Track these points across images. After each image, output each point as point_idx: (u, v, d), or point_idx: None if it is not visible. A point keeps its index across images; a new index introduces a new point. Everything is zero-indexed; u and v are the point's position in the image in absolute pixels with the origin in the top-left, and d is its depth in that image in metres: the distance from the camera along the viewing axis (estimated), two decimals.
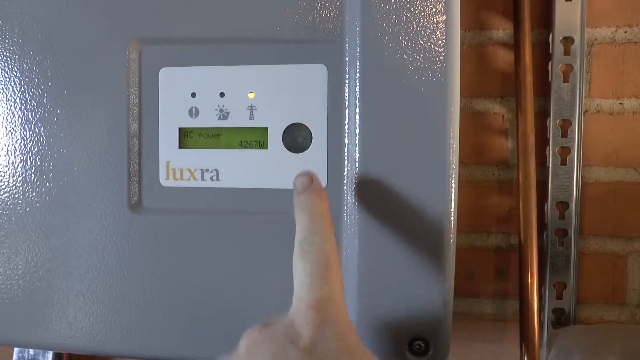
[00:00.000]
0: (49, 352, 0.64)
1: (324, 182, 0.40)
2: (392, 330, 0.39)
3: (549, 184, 0.57)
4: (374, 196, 0.39)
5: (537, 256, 0.50)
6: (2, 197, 0.44)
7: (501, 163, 0.60)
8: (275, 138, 0.40)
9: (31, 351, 0.64)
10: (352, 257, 0.39)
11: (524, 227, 0.51)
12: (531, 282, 0.50)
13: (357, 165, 0.39)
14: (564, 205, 0.58)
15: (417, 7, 0.38)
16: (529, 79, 0.52)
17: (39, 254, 0.44)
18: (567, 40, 0.57)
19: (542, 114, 0.58)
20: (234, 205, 0.41)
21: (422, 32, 0.38)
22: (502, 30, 0.59)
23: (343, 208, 0.40)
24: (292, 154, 0.40)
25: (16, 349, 0.65)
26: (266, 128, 0.40)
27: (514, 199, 0.60)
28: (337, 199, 0.40)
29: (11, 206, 0.44)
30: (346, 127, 0.39)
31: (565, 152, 0.58)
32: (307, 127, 0.40)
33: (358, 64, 0.39)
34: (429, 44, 0.38)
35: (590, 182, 0.59)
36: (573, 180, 0.58)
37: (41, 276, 0.44)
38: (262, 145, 0.41)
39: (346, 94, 0.39)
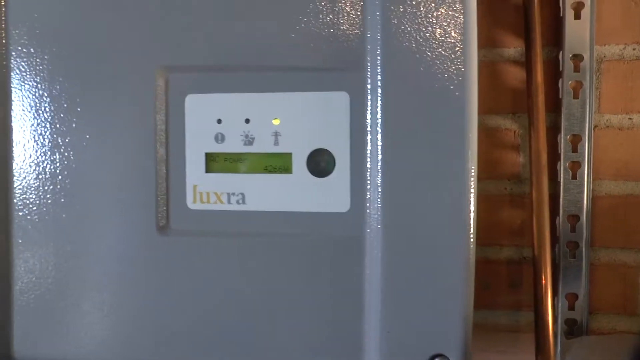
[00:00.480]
0: None
1: (346, 205, 0.41)
2: (414, 348, 0.41)
3: (561, 198, 0.59)
4: (396, 218, 0.40)
5: (550, 269, 0.52)
6: (33, 218, 0.45)
7: (513, 177, 0.61)
8: (299, 163, 0.42)
9: None
10: (375, 279, 0.41)
11: (537, 241, 0.52)
12: (545, 294, 0.51)
13: (379, 189, 0.40)
14: (575, 218, 0.60)
15: (436, 37, 0.40)
16: (540, 97, 0.54)
17: (68, 275, 0.45)
18: (577, 58, 0.58)
19: (553, 130, 0.60)
20: (259, 228, 0.43)
21: (440, 61, 0.40)
22: (513, 48, 0.60)
23: (366, 230, 0.41)
24: (316, 178, 0.42)
25: None
26: (291, 153, 0.42)
27: (526, 212, 0.61)
28: (359, 222, 0.41)
29: (41, 227, 0.45)
30: (368, 152, 0.41)
31: (575, 166, 0.59)
32: (330, 153, 0.41)
33: (379, 91, 0.40)
34: (447, 72, 0.40)
35: (601, 195, 0.60)
36: (584, 193, 0.59)
37: (69, 296, 0.45)
38: (287, 170, 0.42)
39: (368, 120, 0.41)
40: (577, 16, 0.58)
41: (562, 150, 0.59)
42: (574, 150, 0.59)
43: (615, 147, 0.60)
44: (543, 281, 0.51)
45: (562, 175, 0.59)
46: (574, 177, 0.59)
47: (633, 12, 0.58)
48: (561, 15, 0.58)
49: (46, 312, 0.46)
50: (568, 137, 0.59)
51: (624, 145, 0.60)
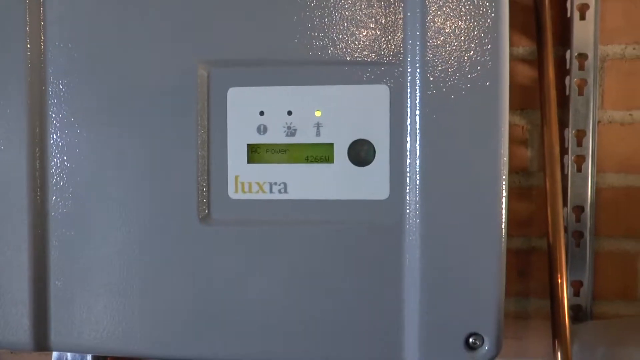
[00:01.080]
0: (88, 359, 0.65)
1: (386, 193, 0.43)
2: (451, 328, 0.43)
3: (568, 190, 0.62)
4: (433, 206, 0.43)
5: (565, 257, 0.55)
6: (75, 210, 0.46)
7: (522, 171, 0.64)
8: (340, 153, 0.43)
9: (69, 357, 0.66)
10: (414, 263, 0.43)
11: (552, 230, 0.55)
12: (561, 281, 0.54)
13: (417, 178, 0.42)
14: (579, 209, 0.63)
15: (470, 34, 0.42)
16: (552, 93, 0.57)
17: (109, 266, 0.46)
18: (582, 57, 0.62)
19: (559, 125, 0.63)
20: (301, 216, 0.44)
21: (475, 57, 0.42)
22: (521, 47, 0.63)
23: (404, 217, 0.43)
24: (357, 167, 0.43)
25: (54, 356, 0.66)
26: (332, 144, 0.44)
27: (534, 204, 0.64)
28: (398, 209, 0.43)
29: (79, 219, 0.46)
30: (408, 143, 0.43)
31: (580, 160, 0.63)
32: (370, 143, 0.43)
33: (418, 85, 0.42)
34: (481, 66, 0.42)
35: (604, 187, 0.63)
36: (588, 186, 0.63)
37: (110, 288, 0.46)
38: (328, 159, 0.44)
39: (407, 113, 0.43)
40: (582, 17, 0.61)
41: (569, 144, 0.62)
42: (579, 144, 0.62)
43: (617, 141, 0.63)
44: (558, 269, 0.54)
45: (569, 168, 0.62)
46: (579, 170, 0.63)
47: (633, 14, 0.62)
48: (568, 16, 0.61)
49: (85, 304, 0.46)
50: (573, 131, 0.62)
51: (625, 140, 0.63)
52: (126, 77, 0.45)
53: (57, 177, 0.46)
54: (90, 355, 0.65)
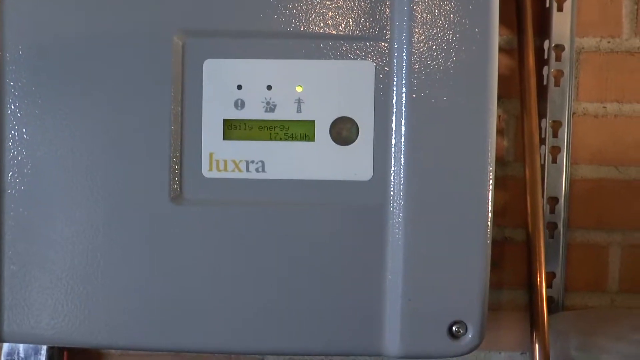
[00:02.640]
0: (42, 354, 0.61)
1: (369, 174, 0.41)
2: (434, 315, 0.42)
3: (545, 181, 0.61)
4: (418, 187, 0.41)
5: (544, 246, 0.54)
6: (34, 187, 0.42)
7: (498, 160, 0.63)
8: (322, 131, 0.42)
9: (22, 353, 0.62)
10: (397, 246, 0.41)
11: (532, 220, 0.55)
12: (540, 272, 0.54)
13: (402, 158, 0.41)
14: (554, 200, 0.63)
15: (459, 13, 0.41)
16: (532, 81, 0.56)
17: (72, 247, 0.42)
18: (558, 48, 0.62)
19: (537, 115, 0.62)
20: (279, 197, 0.42)
21: (463, 37, 0.41)
22: (499, 36, 0.63)
23: (389, 199, 0.41)
24: (339, 146, 0.42)
25: (4, 351, 0.62)
26: (313, 121, 0.42)
27: (508, 194, 0.64)
28: (382, 190, 0.41)
29: (41, 195, 0.42)
30: (393, 123, 0.41)
31: (555, 151, 0.62)
32: (353, 121, 0.41)
33: (404, 62, 0.41)
34: (470, 45, 0.41)
35: (577, 179, 0.63)
36: (562, 177, 0.62)
37: (73, 271, 0.42)
38: (309, 137, 0.42)
39: (393, 90, 0.41)
40: (560, 9, 0.61)
41: (547, 135, 0.61)
42: (555, 135, 0.62)
43: (590, 133, 0.63)
44: (538, 259, 0.53)
45: (545, 159, 0.62)
46: (554, 160, 0.62)
47: (609, 8, 0.62)
48: (547, 6, 0.61)
49: (43, 290, 0.43)
50: (550, 122, 0.62)
51: (598, 132, 0.63)
52: (94, 44, 0.42)
53: (14, 151, 0.42)
54: (45, 348, 0.62)
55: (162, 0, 0.41)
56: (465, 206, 0.41)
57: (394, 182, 0.41)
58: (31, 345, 0.61)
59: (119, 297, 0.43)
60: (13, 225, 0.43)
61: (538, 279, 0.54)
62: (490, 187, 0.41)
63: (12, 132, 0.42)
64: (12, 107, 0.42)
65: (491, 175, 0.41)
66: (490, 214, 0.41)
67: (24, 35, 0.42)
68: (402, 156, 0.41)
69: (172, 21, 0.42)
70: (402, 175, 0.41)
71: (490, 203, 0.41)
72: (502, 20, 0.62)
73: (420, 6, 0.41)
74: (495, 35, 0.41)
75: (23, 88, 0.42)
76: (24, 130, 0.42)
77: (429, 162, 0.41)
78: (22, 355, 0.62)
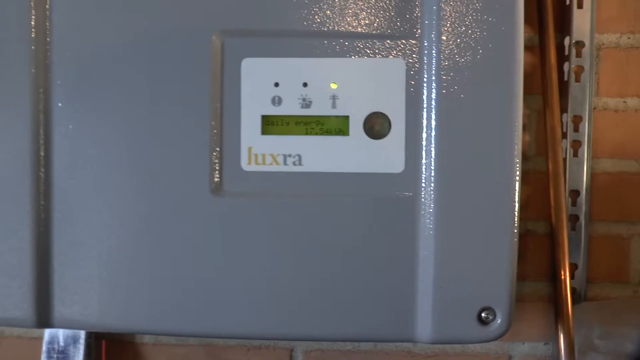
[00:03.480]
0: (81, 343, 0.64)
1: (401, 166, 0.43)
2: (464, 301, 0.43)
3: (566, 174, 0.63)
4: (448, 179, 0.43)
5: (567, 238, 0.56)
6: (81, 182, 0.44)
7: None
8: (356, 125, 0.43)
9: (61, 342, 0.64)
10: (428, 235, 0.43)
11: (555, 213, 0.56)
12: (564, 263, 0.55)
13: (432, 151, 0.43)
14: (575, 194, 0.64)
15: (487, 13, 0.42)
16: (554, 77, 0.58)
17: (118, 239, 0.45)
18: (579, 44, 0.63)
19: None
20: (315, 189, 0.44)
21: (490, 36, 0.42)
22: None
23: (420, 191, 0.43)
24: (372, 140, 0.43)
25: (45, 340, 0.64)
26: (347, 116, 0.43)
27: (531, 187, 0.65)
28: (413, 182, 0.43)
29: (87, 190, 0.45)
30: (424, 116, 0.43)
31: (576, 145, 0.64)
32: (386, 116, 0.43)
33: (434, 60, 0.42)
34: (497, 43, 0.42)
35: (598, 172, 0.65)
36: (584, 170, 0.64)
37: (119, 261, 0.45)
38: (344, 132, 0.44)
39: (423, 87, 0.43)
40: (580, 6, 0.62)
41: (567, 129, 0.63)
42: (576, 129, 0.64)
43: (611, 128, 0.65)
44: (562, 250, 0.55)
45: (566, 153, 0.63)
46: (575, 154, 0.64)
47: (628, 4, 0.64)
48: (567, 4, 0.62)
49: (90, 280, 0.45)
50: (571, 117, 0.63)
51: (619, 126, 0.65)
52: (137, 45, 0.44)
53: (62, 147, 0.45)
54: (83, 337, 0.64)
55: (201, 2, 0.43)
56: (493, 197, 0.43)
57: (425, 175, 0.43)
58: (70, 334, 0.63)
59: (160, 286, 0.45)
60: (61, 218, 0.45)
61: (562, 270, 0.55)
62: (517, 178, 0.43)
63: (60, 128, 0.45)
64: (60, 104, 0.44)
65: (518, 167, 0.43)
66: (517, 205, 0.43)
67: (70, 38, 0.44)
68: (432, 149, 0.43)
69: (211, 21, 0.44)
70: (432, 168, 0.43)
71: (517, 194, 0.43)
72: (524, 19, 0.64)
73: (448, 5, 0.42)
74: (521, 32, 0.43)
75: (69, 88, 0.44)
76: (70, 127, 0.45)
77: (459, 155, 0.42)
78: (61, 344, 0.64)
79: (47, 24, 0.44)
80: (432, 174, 0.43)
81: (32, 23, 0.44)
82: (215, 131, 0.44)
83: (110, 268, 0.45)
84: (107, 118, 0.44)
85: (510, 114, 0.43)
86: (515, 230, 0.43)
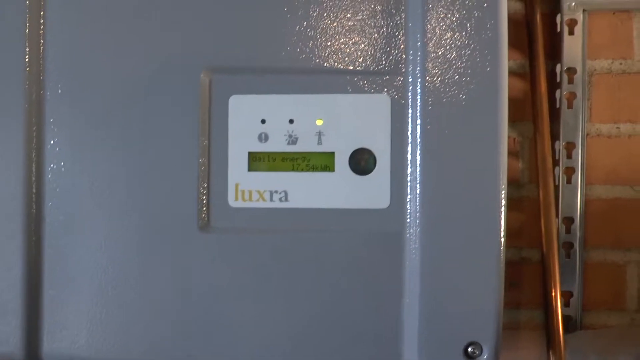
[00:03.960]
0: None
1: (386, 202, 0.43)
2: (450, 337, 0.43)
3: (559, 202, 0.63)
4: (433, 215, 0.43)
5: (559, 266, 0.55)
6: (72, 217, 0.45)
7: (513, 182, 0.65)
8: (341, 162, 0.44)
9: None
10: (414, 272, 0.43)
11: (545, 241, 0.56)
12: (555, 292, 0.55)
13: (418, 187, 0.43)
14: (569, 220, 0.64)
15: (470, 45, 0.43)
16: (544, 105, 0.58)
17: (105, 272, 0.45)
18: (570, 71, 0.63)
19: (550, 137, 0.64)
20: (302, 225, 0.44)
21: (474, 69, 0.43)
22: (512, 60, 0.65)
23: (405, 226, 0.43)
24: (358, 176, 0.44)
25: None
26: (333, 152, 0.44)
27: (524, 215, 0.65)
28: (399, 218, 0.43)
29: (76, 224, 0.45)
30: (409, 152, 0.43)
31: (570, 171, 0.64)
32: (371, 152, 0.44)
33: (419, 95, 0.43)
34: (481, 77, 0.43)
35: (592, 199, 0.65)
36: (577, 197, 0.64)
37: (108, 295, 0.45)
38: (330, 168, 0.44)
39: (408, 123, 0.43)
40: (571, 32, 0.63)
41: (560, 156, 0.63)
42: (569, 156, 0.64)
43: (604, 154, 0.65)
44: (552, 279, 0.55)
45: (559, 180, 0.63)
46: (569, 181, 0.64)
47: (619, 30, 0.64)
48: (558, 31, 0.62)
49: (80, 313, 0.45)
50: (563, 144, 0.63)
51: (612, 152, 0.65)
52: (127, 81, 0.45)
53: (53, 183, 0.45)
54: None
55: (190, 39, 0.44)
56: (479, 231, 0.43)
57: (410, 210, 0.43)
58: None
59: (149, 321, 0.45)
60: (52, 253, 0.46)
61: (553, 299, 0.55)
62: (503, 211, 0.43)
63: (52, 164, 0.45)
64: (52, 141, 0.45)
65: (503, 199, 0.43)
66: (503, 238, 0.43)
67: (63, 75, 0.45)
68: (417, 185, 0.43)
69: (199, 59, 0.44)
70: (418, 203, 0.43)
71: (502, 227, 0.43)
72: (515, 45, 0.64)
73: (433, 40, 0.43)
74: (505, 68, 0.43)
75: (61, 123, 0.45)
76: (62, 163, 0.45)
77: (444, 190, 0.43)
78: None
79: (41, 61, 0.45)
80: (418, 210, 0.43)
81: (26, 59, 0.45)
82: (203, 168, 0.44)
83: (100, 303, 0.45)
84: (98, 155, 0.45)
85: (495, 148, 0.43)
86: (502, 265, 0.43)
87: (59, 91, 0.45)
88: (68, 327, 0.46)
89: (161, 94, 0.44)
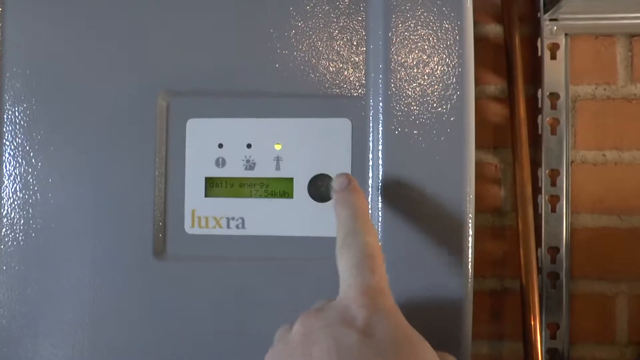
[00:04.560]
0: None
1: None
2: None
3: (542, 230, 0.60)
4: (396, 244, 0.41)
5: (538, 299, 0.53)
6: (26, 244, 0.44)
7: (495, 210, 0.63)
8: (300, 188, 0.42)
9: None
10: None
11: (525, 272, 0.54)
12: (534, 324, 0.52)
13: (379, 215, 0.41)
14: (555, 250, 0.61)
15: (435, 69, 0.41)
16: (523, 131, 0.56)
17: (60, 302, 0.43)
18: (553, 96, 0.61)
19: (532, 164, 0.62)
20: (258, 252, 0.42)
21: (439, 93, 0.41)
22: (493, 85, 0.63)
23: None
24: (317, 203, 0.42)
25: None
26: (292, 178, 0.42)
27: (507, 244, 0.63)
28: None
29: (32, 252, 0.44)
30: (370, 179, 0.41)
31: (554, 200, 0.62)
32: (331, 178, 0.42)
33: (381, 119, 0.41)
34: (446, 101, 0.41)
35: (579, 227, 0.62)
36: (563, 226, 0.61)
37: (62, 325, 0.43)
38: (288, 194, 0.42)
39: (370, 147, 0.42)
40: (553, 57, 0.61)
41: (543, 184, 0.61)
42: (553, 184, 0.61)
43: (590, 181, 0.62)
44: (531, 311, 0.52)
45: (542, 208, 0.61)
46: (553, 210, 0.61)
47: (603, 54, 0.62)
48: (539, 55, 0.61)
49: (31, 343, 0.44)
50: (547, 171, 0.61)
51: (598, 180, 0.62)
52: (83, 106, 0.44)
53: (8, 209, 0.44)
54: None
55: (147, 62, 0.43)
56: (446, 263, 0.41)
57: None
58: None
59: (105, 349, 0.43)
60: (4, 281, 0.44)
61: (532, 331, 0.52)
62: (470, 241, 0.41)
63: (7, 190, 0.44)
64: (7, 166, 0.44)
65: (471, 230, 0.41)
66: (470, 269, 0.41)
67: (19, 101, 0.44)
68: (379, 213, 0.41)
69: (156, 82, 0.43)
70: (379, 232, 0.41)
71: (470, 258, 0.41)
72: (495, 70, 0.63)
73: (395, 62, 0.41)
74: (471, 88, 0.42)
75: (17, 148, 0.44)
76: (17, 188, 0.44)
77: (406, 218, 0.41)
78: None
79: None
80: (380, 239, 0.41)
81: None
82: (159, 193, 0.43)
83: (53, 334, 0.43)
84: (53, 180, 0.44)
85: (462, 176, 0.41)
86: (469, 301, 0.41)
87: (16, 114, 0.44)
88: (18, 358, 0.44)
89: (117, 117, 0.43)
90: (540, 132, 0.61)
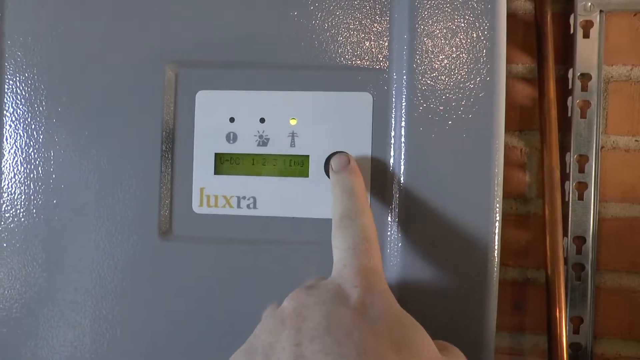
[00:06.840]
0: None
1: None
2: None
3: (569, 219, 0.57)
4: (416, 227, 0.38)
5: (564, 290, 0.50)
6: (21, 221, 0.41)
7: (519, 197, 0.60)
8: (316, 166, 0.39)
9: None
10: (392, 286, 0.38)
11: (551, 262, 0.51)
12: (559, 317, 0.49)
13: (399, 196, 0.38)
14: (581, 240, 0.58)
15: (463, 43, 0.38)
16: (553, 113, 0.53)
17: (59, 282, 0.41)
18: (585, 77, 0.58)
19: (560, 149, 0.59)
20: (271, 235, 0.40)
21: (468, 64, 0.38)
22: (521, 64, 0.60)
23: (386, 240, 0.39)
24: None
25: None
26: (308, 156, 0.39)
27: (531, 233, 0.60)
28: (378, 230, 0.39)
29: (30, 231, 0.42)
30: (391, 158, 0.39)
31: (582, 187, 0.58)
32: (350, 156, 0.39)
33: (404, 93, 0.38)
34: (475, 76, 0.38)
35: (607, 217, 0.59)
36: (590, 215, 0.58)
37: (59, 305, 0.41)
38: (303, 173, 0.39)
39: (392, 123, 0.39)
40: (586, 35, 0.58)
41: (571, 170, 0.57)
42: (581, 170, 0.58)
43: (621, 169, 0.59)
44: (557, 303, 0.49)
45: (569, 196, 0.58)
46: (580, 197, 0.58)
47: None
48: (571, 32, 0.57)
49: (35, 325, 0.42)
50: (575, 156, 0.58)
51: (630, 167, 0.59)
52: (87, 77, 0.41)
53: (8, 183, 0.42)
54: None
55: (155, 30, 0.40)
56: (469, 248, 0.38)
57: (390, 222, 0.38)
58: None
59: (109, 331, 0.41)
60: (4, 258, 0.42)
61: (557, 324, 0.49)
62: (497, 227, 0.38)
63: (6, 163, 0.42)
64: (8, 139, 0.42)
65: (498, 215, 0.38)
66: (497, 257, 0.38)
67: (21, 70, 0.42)
68: (399, 194, 0.38)
69: (165, 51, 0.40)
70: (398, 214, 0.38)
71: (496, 245, 0.38)
72: (524, 48, 0.59)
73: (422, 33, 0.38)
74: (503, 63, 0.38)
75: (18, 121, 0.41)
76: (19, 160, 0.42)
77: (427, 199, 0.38)
78: None
79: None
80: (399, 221, 0.38)
81: None
82: (165, 169, 0.40)
83: (57, 316, 0.41)
84: (54, 155, 0.41)
85: (490, 156, 0.38)
86: (494, 291, 0.38)
87: (18, 84, 0.42)
88: (19, 340, 0.42)
89: (123, 89, 0.41)
90: (569, 115, 0.58)
